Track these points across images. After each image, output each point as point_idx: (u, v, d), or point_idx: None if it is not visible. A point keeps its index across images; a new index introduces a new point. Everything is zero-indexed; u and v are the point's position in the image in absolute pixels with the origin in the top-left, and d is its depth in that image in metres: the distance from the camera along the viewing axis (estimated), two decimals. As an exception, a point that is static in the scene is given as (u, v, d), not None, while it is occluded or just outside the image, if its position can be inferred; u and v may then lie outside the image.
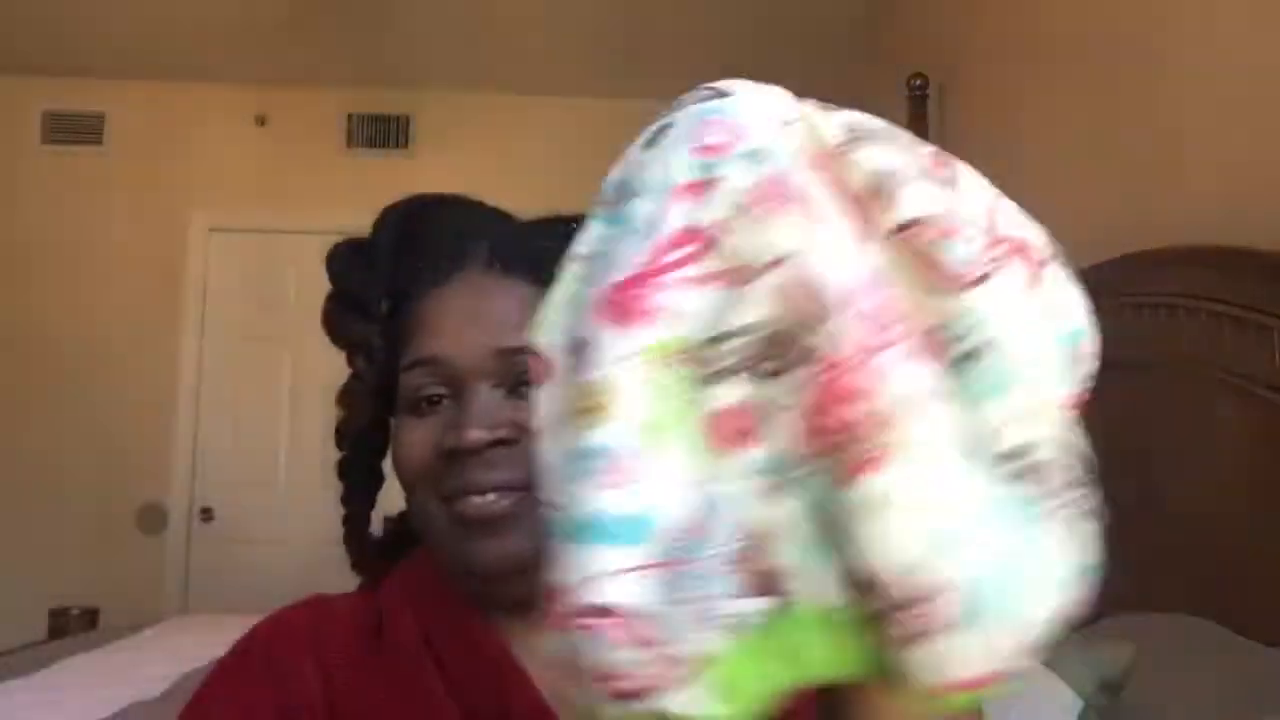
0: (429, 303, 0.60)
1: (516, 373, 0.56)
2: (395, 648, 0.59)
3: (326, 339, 0.65)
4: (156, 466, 3.83)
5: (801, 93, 0.36)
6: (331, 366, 0.67)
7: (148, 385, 3.86)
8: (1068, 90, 2.11)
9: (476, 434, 0.55)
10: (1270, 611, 1.31)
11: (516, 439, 0.55)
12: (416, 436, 0.58)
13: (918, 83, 2.67)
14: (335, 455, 0.67)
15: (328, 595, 0.65)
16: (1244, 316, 1.38)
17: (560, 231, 0.60)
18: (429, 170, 3.93)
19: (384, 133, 4.01)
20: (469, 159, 3.86)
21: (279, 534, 3.81)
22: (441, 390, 0.58)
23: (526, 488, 0.54)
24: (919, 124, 2.66)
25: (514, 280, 0.59)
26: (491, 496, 0.55)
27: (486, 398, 0.57)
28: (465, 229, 0.64)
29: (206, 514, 3.84)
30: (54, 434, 3.80)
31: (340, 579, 0.70)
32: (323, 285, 0.65)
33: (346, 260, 0.64)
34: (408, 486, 0.59)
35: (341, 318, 0.64)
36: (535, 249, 0.59)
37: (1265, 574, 1.33)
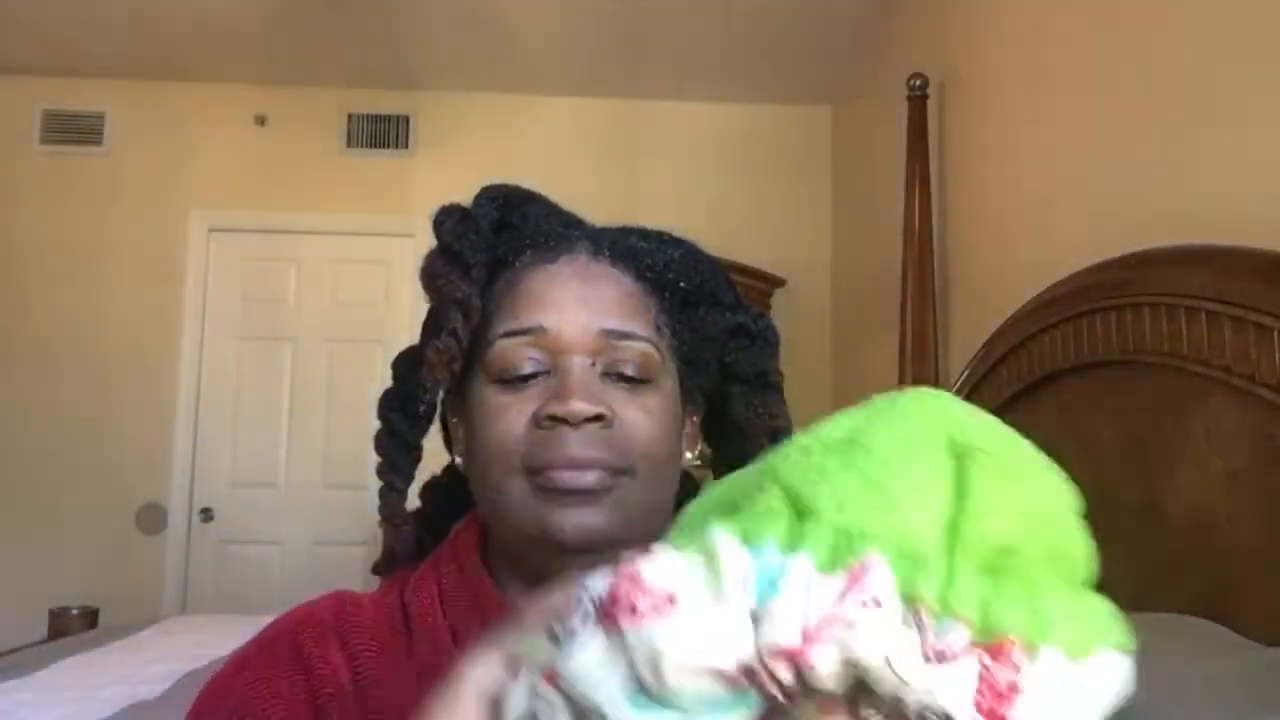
0: (536, 278, 0.62)
1: (613, 357, 0.59)
2: (424, 638, 0.59)
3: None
4: (156, 466, 3.83)
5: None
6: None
7: (148, 385, 3.86)
8: (1068, 90, 2.11)
9: (580, 404, 0.57)
10: (1270, 611, 1.31)
11: (611, 420, 0.58)
12: (513, 408, 0.59)
13: (917, 83, 2.67)
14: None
15: (351, 591, 0.65)
16: (1244, 316, 1.38)
17: (651, 236, 0.67)
18: (429, 170, 3.93)
19: (383, 133, 4.00)
20: (468, 159, 3.86)
21: (279, 534, 3.82)
22: (539, 363, 0.60)
23: (616, 469, 0.57)
24: (919, 124, 2.67)
25: (619, 270, 0.63)
26: (586, 473, 0.57)
27: (587, 374, 0.59)
28: (565, 218, 0.67)
29: (206, 514, 3.84)
30: (54, 434, 3.80)
31: (340, 579, 0.70)
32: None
33: (458, 220, 0.64)
34: (489, 460, 0.59)
35: (447, 274, 0.62)
36: (634, 246, 0.64)
37: (1265, 574, 1.33)
